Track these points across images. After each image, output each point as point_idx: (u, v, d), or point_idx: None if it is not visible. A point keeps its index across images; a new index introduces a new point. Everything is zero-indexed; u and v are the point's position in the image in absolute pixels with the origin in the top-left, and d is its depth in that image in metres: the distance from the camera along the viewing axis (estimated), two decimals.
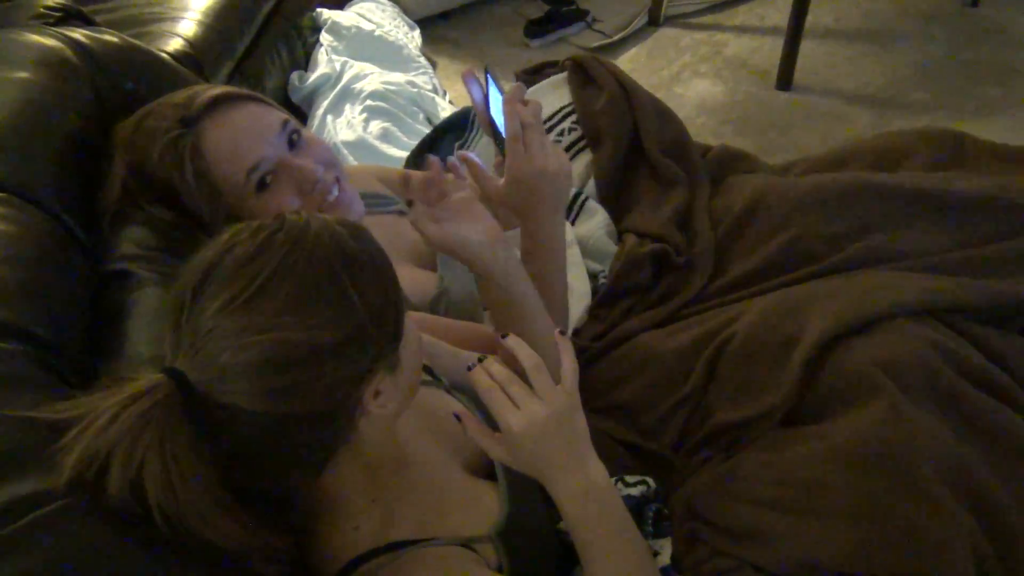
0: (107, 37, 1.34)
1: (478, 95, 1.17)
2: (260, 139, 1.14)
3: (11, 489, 0.73)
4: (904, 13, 2.93)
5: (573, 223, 1.61)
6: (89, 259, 1.08)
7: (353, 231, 0.83)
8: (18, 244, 0.95)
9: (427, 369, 1.14)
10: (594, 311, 1.45)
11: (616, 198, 1.62)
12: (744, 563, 1.05)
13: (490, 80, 1.18)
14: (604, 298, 1.46)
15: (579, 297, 1.45)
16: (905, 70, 2.67)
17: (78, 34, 1.30)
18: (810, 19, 2.57)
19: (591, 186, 1.64)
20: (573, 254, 1.50)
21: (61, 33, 1.28)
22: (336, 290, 0.78)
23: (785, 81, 2.64)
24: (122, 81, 1.30)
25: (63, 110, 1.18)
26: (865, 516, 1.01)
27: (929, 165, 1.48)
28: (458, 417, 0.93)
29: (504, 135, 1.11)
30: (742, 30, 2.97)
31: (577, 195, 1.63)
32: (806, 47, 2.63)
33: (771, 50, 2.78)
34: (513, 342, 0.91)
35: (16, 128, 1.10)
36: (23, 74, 1.17)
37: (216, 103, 1.14)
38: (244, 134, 1.14)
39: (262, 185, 1.14)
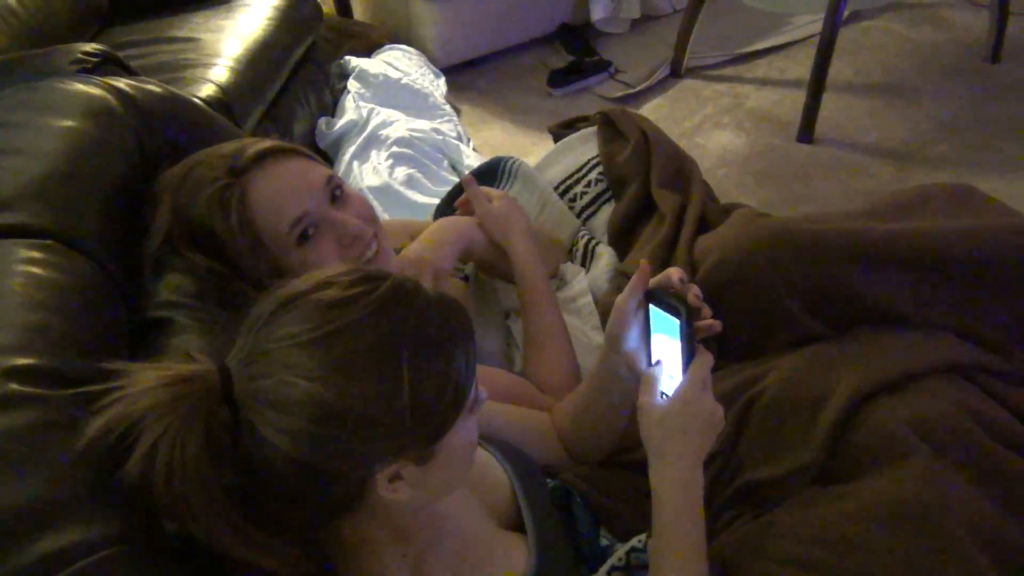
0: (149, 87, 1.37)
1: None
2: (304, 193, 1.16)
3: (57, 537, 0.74)
4: (925, 68, 2.97)
5: (586, 268, 1.63)
6: (129, 307, 1.09)
7: (447, 318, 0.83)
8: (62, 291, 0.96)
9: None
10: None
11: (623, 242, 1.64)
12: None
13: (652, 308, 1.07)
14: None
15: (595, 349, 1.45)
16: (926, 124, 2.69)
17: (122, 83, 1.33)
18: (832, 72, 2.60)
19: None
20: (587, 303, 1.51)
21: (105, 82, 1.30)
22: (391, 370, 0.78)
23: (807, 133, 2.66)
24: (164, 130, 1.32)
25: (107, 158, 1.20)
26: None
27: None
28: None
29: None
30: (763, 82, 3.00)
31: (588, 241, 1.64)
32: (828, 100, 2.66)
33: (792, 102, 2.81)
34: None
35: (61, 176, 1.12)
36: (69, 122, 1.20)
37: (264, 156, 1.16)
38: (289, 187, 1.16)
39: (303, 237, 1.16)
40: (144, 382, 0.78)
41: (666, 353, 1.05)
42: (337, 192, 1.20)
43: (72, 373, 0.86)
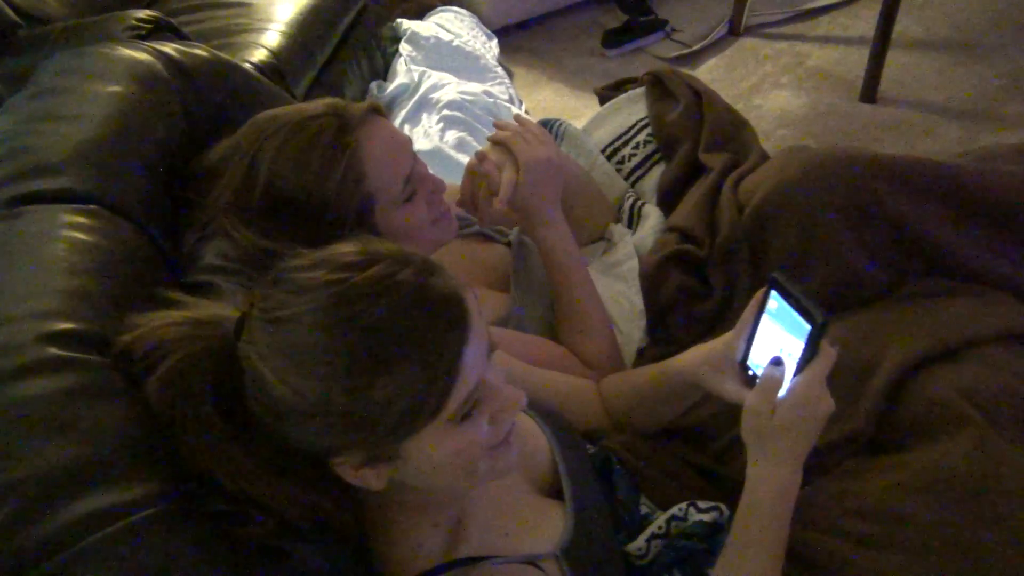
0: (197, 51, 1.37)
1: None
2: (410, 151, 1.18)
3: (97, 498, 0.75)
4: (997, 23, 2.84)
5: (632, 230, 1.60)
6: (173, 272, 1.11)
7: (417, 323, 0.76)
8: (105, 257, 0.98)
9: None
10: (651, 333, 1.43)
11: (673, 204, 1.58)
12: None
13: (774, 295, 0.97)
14: (651, 319, 1.42)
15: (640, 314, 1.43)
16: (997, 82, 2.58)
17: (169, 48, 1.34)
18: (897, 29, 2.51)
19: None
20: (632, 268, 1.48)
21: (153, 47, 1.32)
22: (327, 370, 0.76)
23: (870, 93, 2.58)
24: (210, 95, 1.33)
25: (153, 123, 1.21)
26: (947, 551, 0.97)
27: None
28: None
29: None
30: (825, 40, 2.91)
31: (634, 202, 1.61)
32: (892, 58, 2.57)
33: (855, 61, 2.72)
34: None
35: (107, 141, 1.13)
36: (115, 87, 1.21)
37: (369, 115, 1.15)
38: (399, 145, 1.17)
39: (411, 195, 1.17)
40: (165, 319, 0.82)
41: (773, 342, 0.96)
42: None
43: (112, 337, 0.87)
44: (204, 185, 1.17)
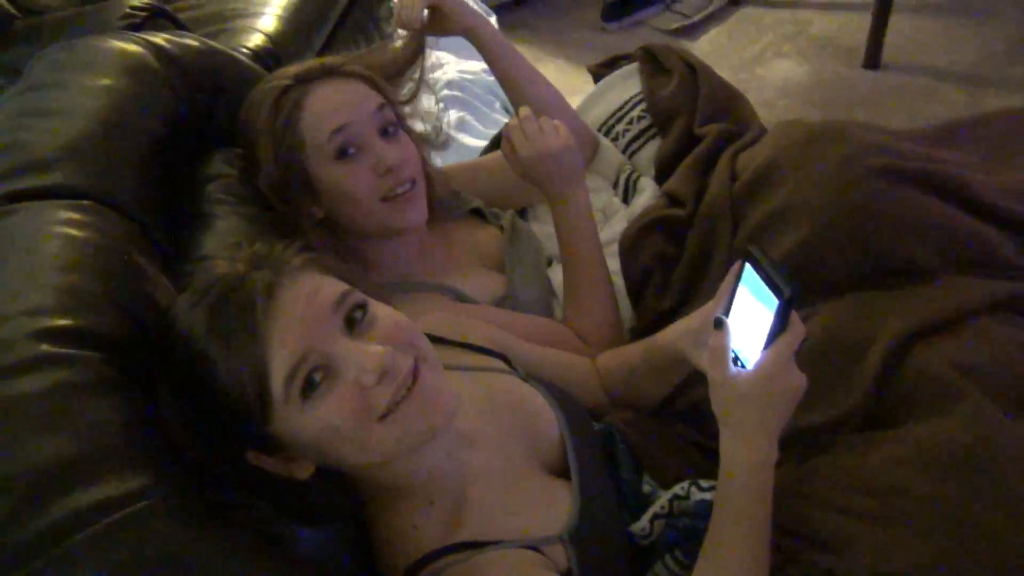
0: (188, 41, 1.37)
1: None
2: (353, 110, 1.22)
3: (92, 491, 0.75)
4: None
5: (627, 203, 1.59)
6: (167, 264, 1.11)
7: (213, 327, 0.82)
8: (98, 252, 0.98)
9: (502, 357, 1.14)
10: (634, 307, 1.43)
11: (669, 176, 1.55)
12: (820, 570, 1.02)
13: (748, 268, 0.95)
14: (629, 290, 1.42)
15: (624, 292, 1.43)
16: (1000, 45, 2.55)
17: (160, 39, 1.33)
18: None
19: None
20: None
21: (143, 39, 1.31)
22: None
23: (872, 59, 2.55)
24: (202, 85, 1.33)
25: (145, 116, 1.21)
26: (947, 525, 0.97)
27: None
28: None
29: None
30: (827, 7, 2.88)
31: (630, 175, 1.60)
32: (895, 23, 2.54)
33: (857, 27, 2.69)
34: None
35: (99, 135, 1.14)
36: (106, 80, 1.21)
37: (335, 70, 1.24)
38: (341, 100, 1.22)
39: (342, 154, 1.21)
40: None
41: (749, 316, 0.95)
42: (390, 129, 1.24)
43: (105, 333, 0.88)
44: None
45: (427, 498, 0.92)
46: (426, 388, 0.84)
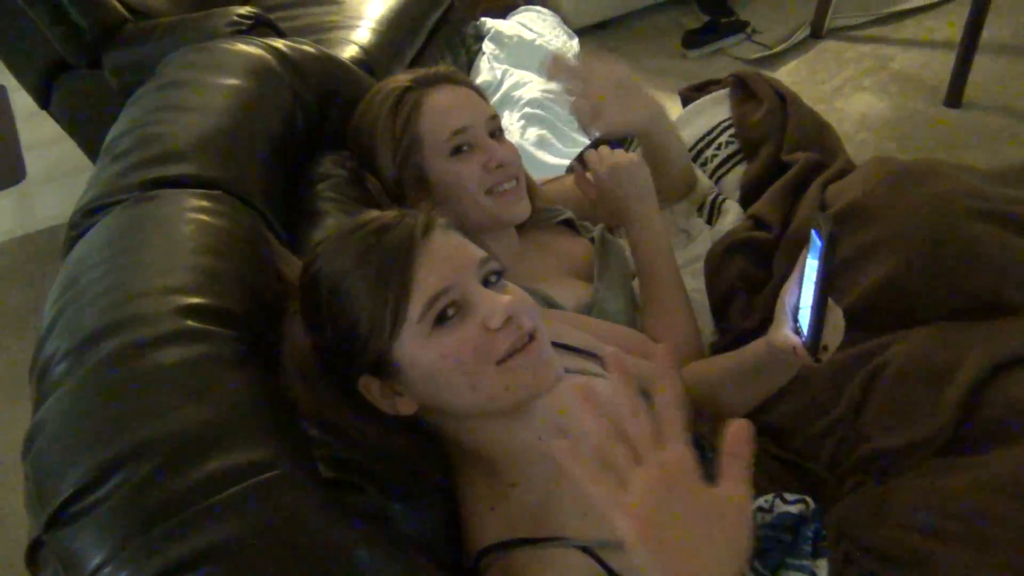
0: (304, 47, 1.45)
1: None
2: (471, 114, 1.32)
3: (226, 458, 0.80)
4: None
5: (710, 223, 1.63)
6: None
7: (362, 257, 0.91)
8: (230, 238, 1.05)
9: (595, 357, 1.17)
10: (717, 325, 1.45)
11: (754, 201, 1.58)
12: None
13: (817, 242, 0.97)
14: (713, 308, 1.45)
15: (706, 308, 1.46)
16: None
17: (279, 44, 1.41)
18: (985, 33, 2.47)
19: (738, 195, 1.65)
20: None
21: (266, 43, 1.39)
22: (318, 305, 0.94)
23: (955, 98, 2.54)
24: (317, 87, 1.40)
25: (267, 115, 1.29)
26: None
27: None
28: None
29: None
30: (910, 44, 2.88)
31: (716, 197, 1.64)
32: (979, 62, 2.53)
33: (940, 65, 2.68)
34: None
35: (227, 131, 1.21)
36: (234, 81, 1.29)
37: (448, 77, 1.34)
38: (461, 103, 1.33)
39: (457, 151, 1.30)
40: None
41: (811, 281, 0.99)
42: (496, 133, 1.34)
43: (236, 313, 0.95)
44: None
45: (510, 480, 0.95)
46: (540, 349, 0.92)
